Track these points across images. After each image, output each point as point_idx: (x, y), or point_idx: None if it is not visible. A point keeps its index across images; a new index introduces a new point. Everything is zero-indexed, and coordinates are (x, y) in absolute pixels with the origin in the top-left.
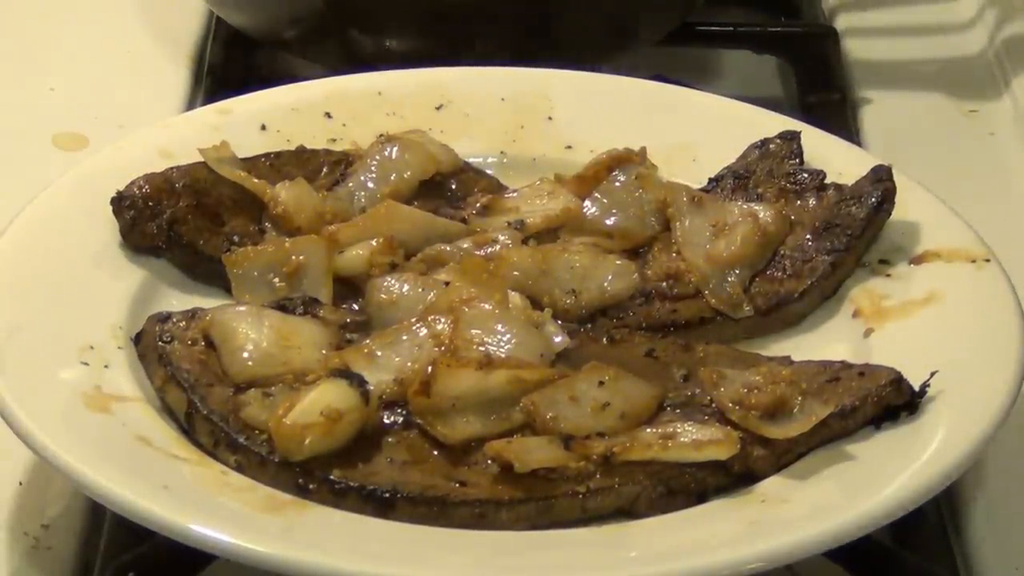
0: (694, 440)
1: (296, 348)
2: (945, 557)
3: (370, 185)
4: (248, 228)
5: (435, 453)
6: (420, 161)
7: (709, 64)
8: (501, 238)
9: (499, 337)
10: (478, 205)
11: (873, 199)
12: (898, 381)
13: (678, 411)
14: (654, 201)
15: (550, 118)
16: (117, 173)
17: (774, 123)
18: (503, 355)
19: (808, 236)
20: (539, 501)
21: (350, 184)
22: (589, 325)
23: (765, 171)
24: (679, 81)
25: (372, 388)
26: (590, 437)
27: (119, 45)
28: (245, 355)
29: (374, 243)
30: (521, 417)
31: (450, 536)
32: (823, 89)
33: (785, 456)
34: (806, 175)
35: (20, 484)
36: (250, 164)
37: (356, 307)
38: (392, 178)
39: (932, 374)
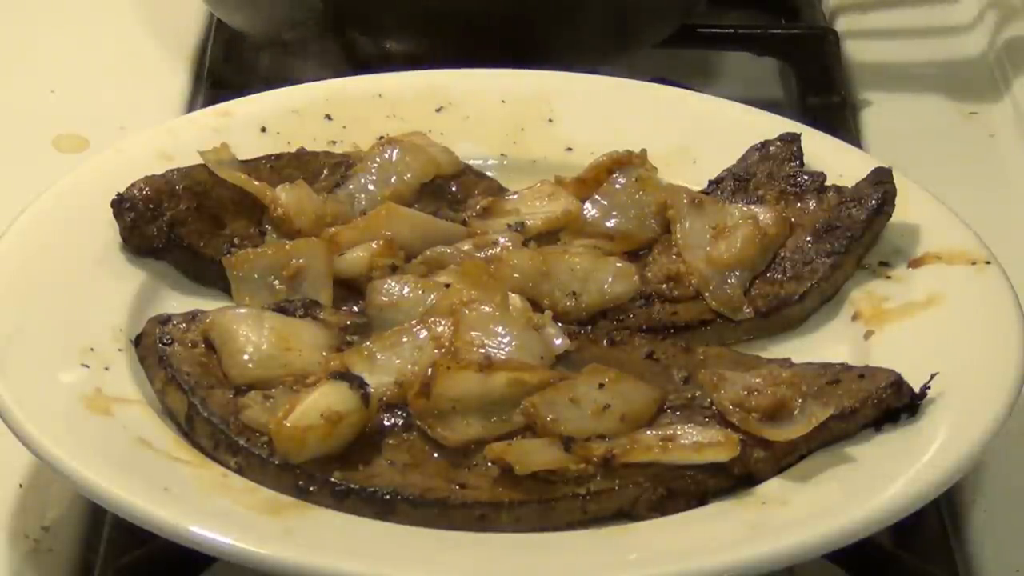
0: (694, 442)
1: (296, 350)
2: (945, 559)
3: (370, 187)
4: (248, 230)
5: (435, 455)
6: (420, 163)
7: (709, 66)
8: (501, 240)
9: (499, 339)
10: (478, 207)
11: (873, 201)
12: (898, 383)
13: (678, 413)
14: (654, 203)
15: (550, 120)
16: (117, 175)
17: (774, 125)
18: (503, 357)
19: (808, 238)
20: (539, 503)
21: (350, 186)
22: (589, 327)
23: (765, 173)
24: (679, 83)
25: (372, 390)
26: (590, 439)
27: (119, 47)
28: (245, 357)
29: (374, 245)
30: (521, 419)
31: (450, 538)
32: (823, 91)
33: (785, 458)
34: (806, 177)
35: (20, 486)
36: (250, 166)
37: (356, 309)
38: (392, 180)
39: (932, 376)
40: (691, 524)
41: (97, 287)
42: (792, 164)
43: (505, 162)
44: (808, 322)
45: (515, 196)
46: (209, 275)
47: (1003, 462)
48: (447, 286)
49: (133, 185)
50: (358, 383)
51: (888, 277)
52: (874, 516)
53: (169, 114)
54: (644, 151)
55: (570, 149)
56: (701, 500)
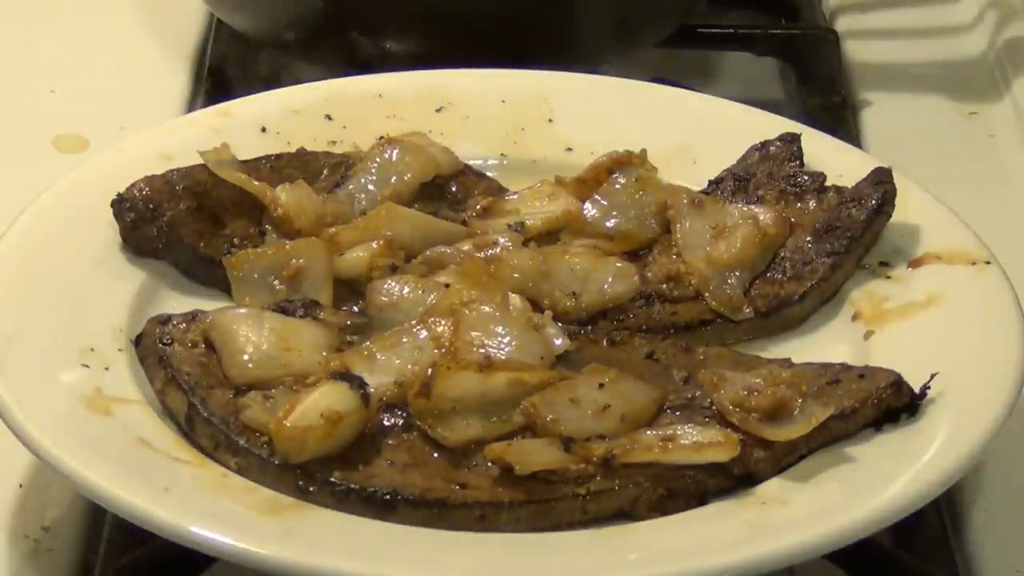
0: (694, 442)
1: (296, 350)
2: (945, 559)
3: (370, 187)
4: (248, 230)
5: (435, 455)
6: (420, 163)
7: (709, 66)
8: (501, 240)
9: (499, 339)
10: (478, 207)
11: (873, 201)
12: (898, 383)
13: (678, 413)
14: (654, 203)
15: (550, 120)
16: (117, 175)
17: (774, 125)
18: (503, 357)
19: (808, 238)
20: (539, 503)
21: (350, 186)
22: (589, 327)
23: (765, 173)
24: (679, 83)
25: (372, 390)
26: (590, 439)
27: (120, 47)
28: (245, 357)
29: (374, 245)
30: (521, 419)
31: (450, 538)
32: (823, 91)
33: (785, 458)
34: (806, 177)
35: (20, 486)
36: (250, 166)
37: (356, 309)
38: (392, 180)
39: (932, 376)
40: (691, 524)
41: (97, 287)
42: (792, 164)
43: (505, 162)
44: (808, 322)
45: (515, 196)
46: (209, 275)
47: (1003, 462)
48: (447, 286)
49: (133, 185)
50: (358, 383)
51: (888, 277)
52: (874, 516)
53: (169, 114)
54: (644, 151)
55: (570, 149)
56: (701, 500)
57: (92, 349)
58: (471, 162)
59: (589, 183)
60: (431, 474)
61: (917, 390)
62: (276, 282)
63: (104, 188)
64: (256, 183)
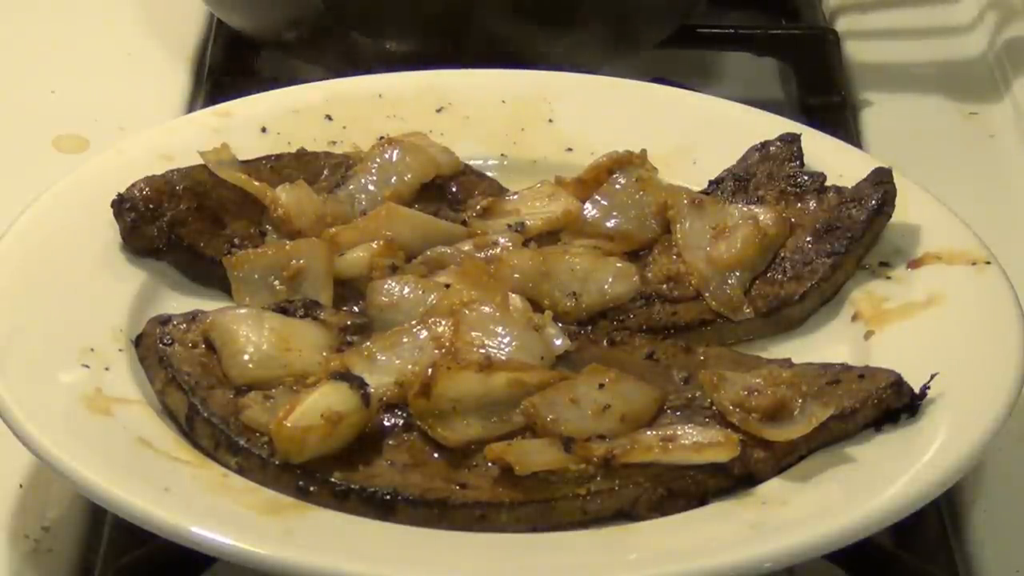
0: (694, 442)
1: (297, 351)
2: (945, 559)
3: (371, 188)
4: (249, 231)
5: (435, 455)
6: (420, 164)
7: (709, 66)
8: (502, 240)
9: (499, 339)
10: (479, 207)
11: (873, 201)
12: (898, 383)
13: (678, 413)
14: (654, 203)
15: (550, 120)
16: (118, 176)
17: (774, 125)
18: (503, 357)
19: (808, 238)
20: (539, 503)
21: (351, 187)
22: (589, 327)
23: (765, 174)
24: (679, 83)
25: (372, 390)
26: (591, 439)
27: (120, 47)
28: (246, 357)
29: (374, 245)
30: (521, 419)
31: (450, 538)
32: (823, 91)
33: (785, 458)
34: (806, 177)
35: (20, 486)
36: (251, 167)
37: (357, 309)
38: (393, 181)
39: (932, 376)
40: (691, 524)
41: (97, 287)
42: (792, 164)
43: (505, 162)
44: (808, 322)
45: (515, 196)
46: (209, 275)
47: (1003, 462)
48: (447, 286)
49: (133, 185)
50: (358, 383)
51: (888, 277)
52: (874, 516)
53: (169, 114)
54: (644, 151)
55: (570, 149)
56: (701, 500)
57: (92, 349)
58: (471, 162)
59: (589, 183)
60: (431, 474)
61: (917, 390)
62: (276, 282)
63: (104, 188)
64: (256, 183)
